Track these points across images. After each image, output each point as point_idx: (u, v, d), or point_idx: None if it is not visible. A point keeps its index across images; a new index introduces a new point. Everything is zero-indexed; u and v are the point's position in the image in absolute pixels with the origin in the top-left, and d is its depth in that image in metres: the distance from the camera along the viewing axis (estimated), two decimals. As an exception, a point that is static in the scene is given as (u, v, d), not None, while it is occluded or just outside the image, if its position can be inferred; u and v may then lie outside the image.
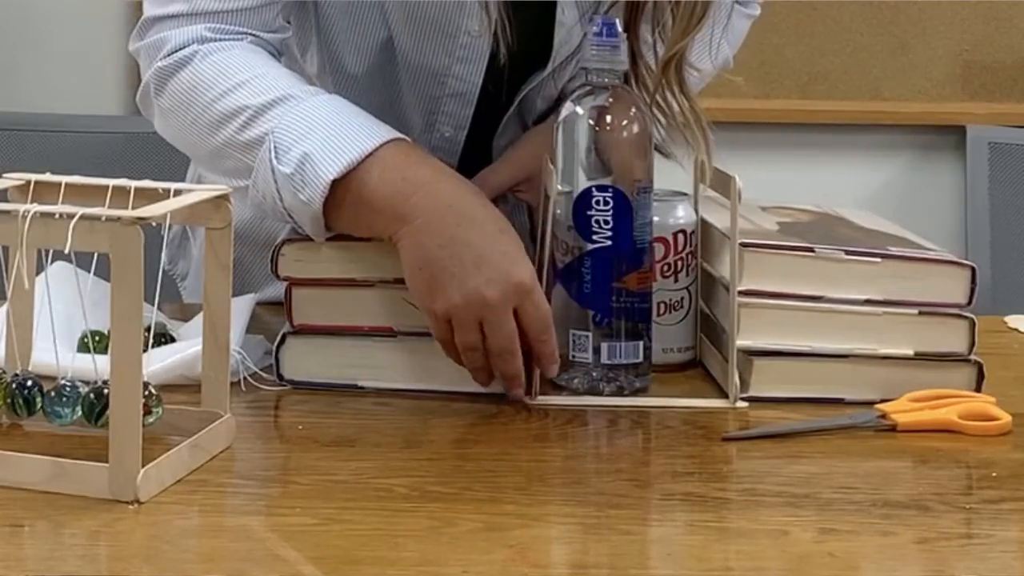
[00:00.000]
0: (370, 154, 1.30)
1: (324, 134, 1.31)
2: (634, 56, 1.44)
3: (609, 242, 1.32)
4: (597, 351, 1.33)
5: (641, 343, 1.34)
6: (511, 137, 1.58)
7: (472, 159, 1.56)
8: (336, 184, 1.30)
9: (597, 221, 1.32)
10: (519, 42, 1.45)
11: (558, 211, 1.33)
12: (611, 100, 1.33)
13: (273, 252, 1.34)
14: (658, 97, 1.43)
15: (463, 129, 1.54)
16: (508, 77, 1.52)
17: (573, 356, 1.33)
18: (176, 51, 1.39)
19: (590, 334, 1.33)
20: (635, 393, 1.33)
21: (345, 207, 1.31)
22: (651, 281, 1.36)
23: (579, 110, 1.33)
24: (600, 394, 1.33)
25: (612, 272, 1.32)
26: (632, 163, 1.33)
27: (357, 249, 1.33)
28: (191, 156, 1.50)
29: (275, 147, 1.32)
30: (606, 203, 1.32)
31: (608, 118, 1.33)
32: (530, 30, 1.47)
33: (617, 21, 1.34)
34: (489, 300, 1.26)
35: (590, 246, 1.32)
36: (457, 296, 1.26)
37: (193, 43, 1.39)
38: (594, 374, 1.33)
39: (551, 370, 1.31)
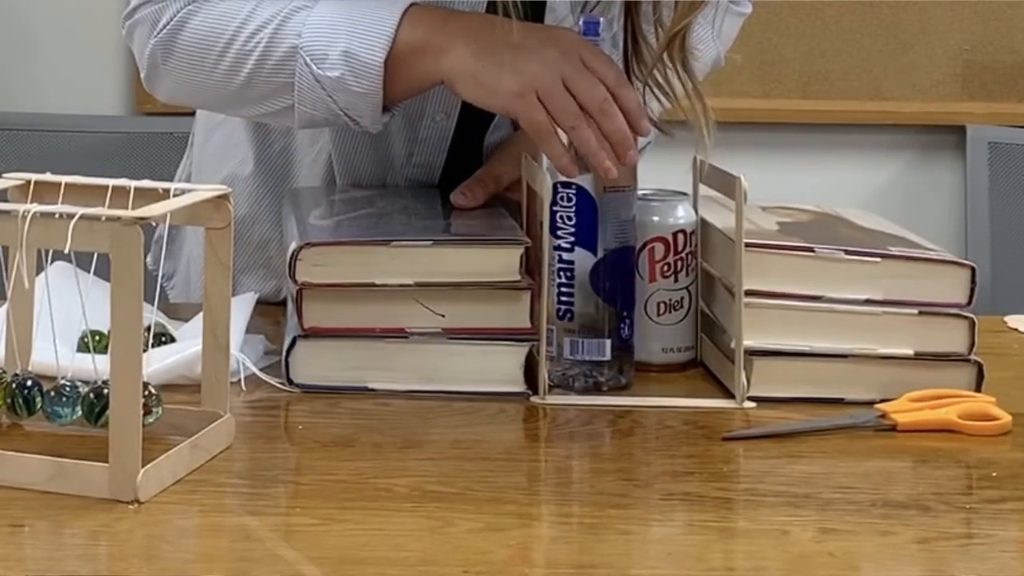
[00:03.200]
0: (399, 24, 1.39)
1: (349, 28, 1.39)
2: (635, 35, 1.45)
3: (572, 239, 1.33)
4: (561, 346, 1.34)
5: (608, 341, 1.34)
6: (504, 132, 1.58)
7: (463, 157, 1.57)
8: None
9: (561, 218, 1.33)
10: None
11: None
12: None
13: (290, 257, 1.33)
14: (659, 76, 1.44)
15: (454, 114, 1.55)
16: None
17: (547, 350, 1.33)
18: (171, 20, 1.45)
19: (555, 328, 1.33)
20: (615, 391, 1.34)
21: (395, 77, 1.40)
22: (627, 280, 1.36)
23: None
24: (572, 389, 1.33)
25: (575, 268, 1.33)
26: None
27: (375, 253, 1.33)
28: (214, 106, 1.58)
29: (310, 59, 1.40)
30: (569, 200, 1.33)
31: None
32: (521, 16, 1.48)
33: (601, 20, 1.35)
34: (559, 54, 1.32)
35: (555, 241, 1.33)
36: (533, 64, 1.32)
37: (184, 8, 1.45)
38: (569, 371, 1.34)
39: (642, 116, 1.35)
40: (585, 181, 1.33)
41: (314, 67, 1.40)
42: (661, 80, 1.45)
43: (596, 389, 1.34)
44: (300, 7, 1.42)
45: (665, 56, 1.44)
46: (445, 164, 1.59)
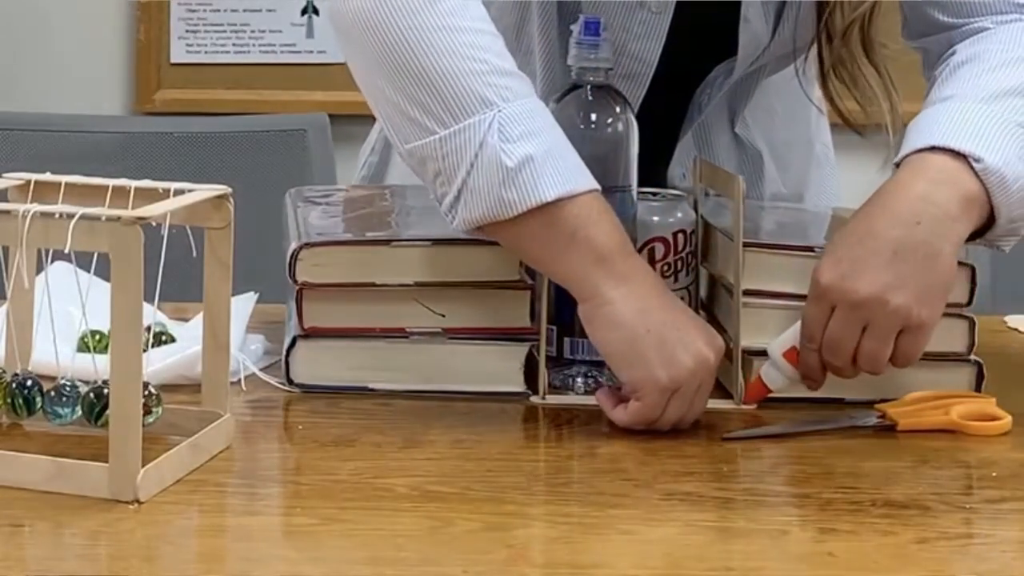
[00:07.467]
0: (587, 192, 1.23)
1: (546, 143, 1.23)
2: (827, 26, 1.42)
3: None
4: (561, 346, 1.34)
5: None
6: (686, 159, 1.52)
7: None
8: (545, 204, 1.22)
9: None
10: (698, 31, 1.45)
11: None
12: (590, 98, 1.34)
13: (290, 257, 1.32)
14: (845, 68, 1.43)
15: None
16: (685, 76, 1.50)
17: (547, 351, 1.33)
18: None
19: (555, 328, 1.34)
20: None
21: (538, 229, 1.23)
22: None
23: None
24: (572, 389, 1.33)
25: None
26: (606, 161, 1.33)
27: (375, 253, 1.33)
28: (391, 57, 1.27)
29: (501, 127, 1.22)
30: None
31: (583, 116, 1.33)
32: (709, 26, 1.45)
33: (600, 20, 1.34)
34: (711, 363, 1.23)
35: None
36: (689, 360, 1.22)
37: None
38: (568, 371, 1.34)
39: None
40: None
41: (498, 137, 1.22)
42: (848, 73, 1.42)
43: (596, 389, 1.34)
44: (527, 79, 1.27)
45: (855, 48, 1.42)
46: None
